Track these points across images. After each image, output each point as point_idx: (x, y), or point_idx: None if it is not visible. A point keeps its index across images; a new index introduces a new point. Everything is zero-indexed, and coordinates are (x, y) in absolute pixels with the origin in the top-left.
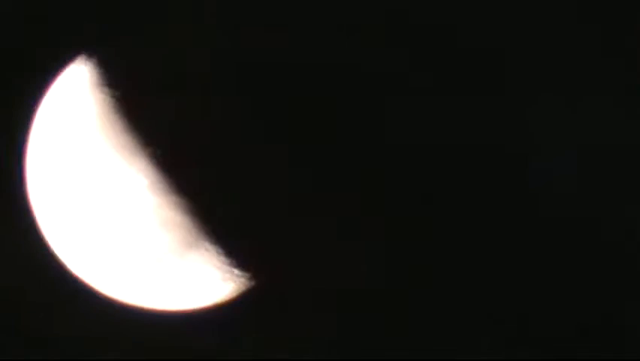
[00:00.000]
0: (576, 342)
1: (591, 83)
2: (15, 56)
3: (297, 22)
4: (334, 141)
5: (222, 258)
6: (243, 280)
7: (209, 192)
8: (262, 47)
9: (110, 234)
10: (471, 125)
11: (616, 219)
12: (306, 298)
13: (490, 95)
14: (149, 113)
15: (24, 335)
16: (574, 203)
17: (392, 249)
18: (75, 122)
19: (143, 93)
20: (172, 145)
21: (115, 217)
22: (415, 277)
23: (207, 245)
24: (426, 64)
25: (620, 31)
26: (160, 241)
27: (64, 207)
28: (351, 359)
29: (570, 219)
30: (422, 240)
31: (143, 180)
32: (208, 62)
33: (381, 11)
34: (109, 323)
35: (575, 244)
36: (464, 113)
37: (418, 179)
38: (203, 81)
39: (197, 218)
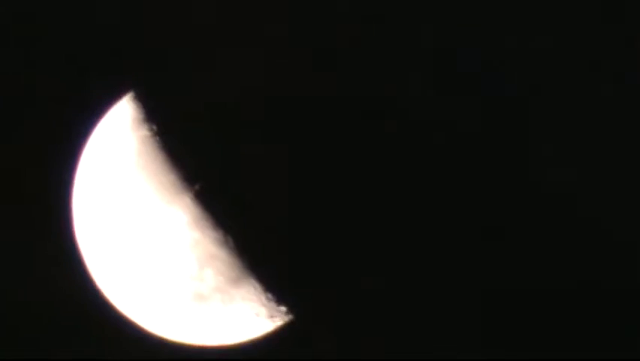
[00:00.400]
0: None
1: None
2: (63, 95)
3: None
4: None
5: (268, 294)
6: (287, 316)
7: (253, 228)
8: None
9: (154, 271)
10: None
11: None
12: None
13: None
14: (190, 151)
15: None
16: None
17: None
18: (118, 160)
19: (184, 131)
20: (213, 181)
21: (159, 255)
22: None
23: (253, 282)
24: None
25: None
26: (205, 278)
27: (110, 245)
28: None
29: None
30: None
31: (184, 217)
32: (257, 103)
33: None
34: (153, 359)
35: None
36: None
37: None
38: (244, 119)
39: (243, 254)
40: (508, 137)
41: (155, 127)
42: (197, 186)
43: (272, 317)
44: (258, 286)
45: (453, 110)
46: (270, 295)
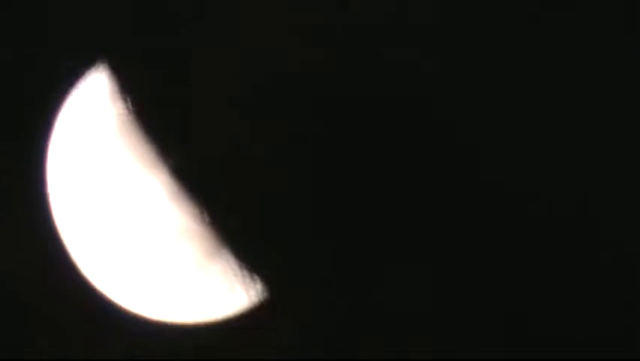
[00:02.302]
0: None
1: None
2: (34, 66)
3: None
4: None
5: (243, 270)
6: (263, 292)
7: (231, 201)
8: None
9: (129, 245)
10: None
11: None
12: (324, 308)
13: None
14: (169, 124)
15: (38, 348)
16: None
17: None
18: (94, 133)
19: (162, 104)
20: (192, 155)
21: (135, 229)
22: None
23: (228, 256)
24: None
25: None
26: (181, 252)
27: (84, 219)
28: None
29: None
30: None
31: (162, 190)
32: (231, 74)
33: None
34: (128, 336)
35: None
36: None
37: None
38: (223, 91)
39: (219, 228)
40: None
41: (131, 99)
42: (173, 160)
43: (248, 291)
44: (233, 261)
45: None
46: (245, 271)
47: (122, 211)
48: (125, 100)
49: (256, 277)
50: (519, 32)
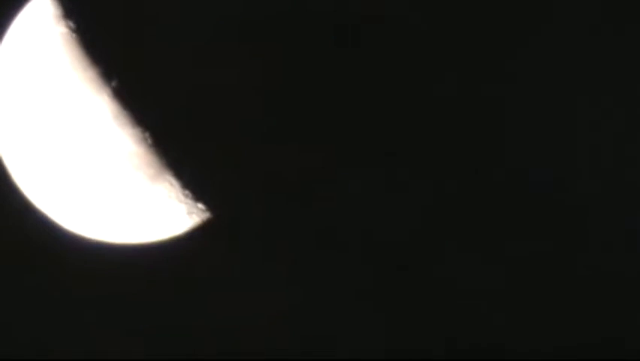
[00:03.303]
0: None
1: None
2: None
3: None
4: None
5: (186, 191)
6: (205, 213)
7: (172, 124)
8: None
9: (71, 168)
10: None
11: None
12: (265, 233)
13: None
14: (112, 46)
15: None
16: None
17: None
18: (38, 56)
19: (104, 25)
20: (135, 77)
21: (78, 151)
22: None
23: (171, 178)
24: None
25: None
26: (123, 174)
27: (29, 142)
28: (302, 296)
29: None
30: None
31: (106, 112)
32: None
33: None
34: (72, 257)
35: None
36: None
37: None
38: (171, 12)
39: (161, 151)
40: None
41: (73, 23)
42: (114, 83)
43: (190, 213)
44: (175, 183)
45: None
46: (188, 192)
47: (65, 134)
48: (68, 21)
49: (199, 198)
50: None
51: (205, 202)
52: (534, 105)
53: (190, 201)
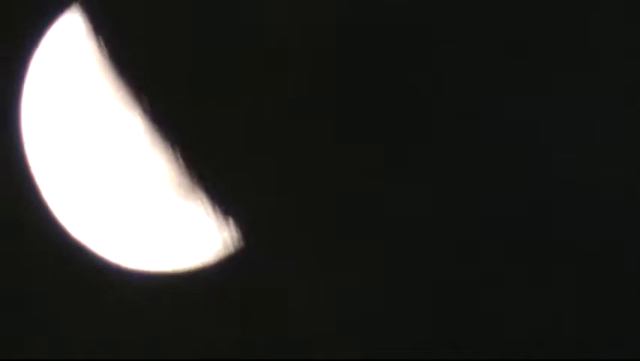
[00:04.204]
0: None
1: None
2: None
3: None
4: (334, 94)
5: (219, 212)
6: (238, 235)
7: (204, 142)
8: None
9: (102, 190)
10: None
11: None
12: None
13: None
14: (144, 63)
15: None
16: None
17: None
18: (68, 75)
19: (136, 42)
20: (168, 96)
21: (109, 170)
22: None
23: (204, 198)
24: None
25: None
26: (155, 195)
27: (59, 161)
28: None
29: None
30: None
31: (132, 132)
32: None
33: None
34: (101, 283)
35: None
36: None
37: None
38: (194, 31)
39: (194, 170)
40: None
41: (104, 40)
42: (146, 101)
43: (222, 233)
44: (208, 202)
45: None
46: (220, 212)
47: (95, 154)
48: (99, 37)
49: (232, 221)
50: None
51: (238, 224)
52: None
53: (224, 223)
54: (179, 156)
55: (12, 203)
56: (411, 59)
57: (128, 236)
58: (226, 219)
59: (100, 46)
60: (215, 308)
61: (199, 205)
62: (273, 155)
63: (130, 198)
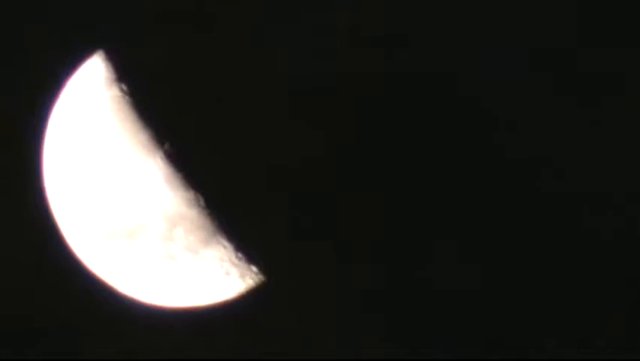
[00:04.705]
0: None
1: None
2: (31, 53)
3: None
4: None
5: (239, 254)
6: (259, 276)
7: (226, 187)
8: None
9: (124, 230)
10: None
11: None
12: (318, 295)
13: None
14: (164, 109)
15: (27, 327)
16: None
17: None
18: (90, 119)
19: (156, 88)
20: (187, 140)
21: (130, 214)
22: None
23: (223, 241)
24: None
25: None
26: (175, 238)
27: (80, 203)
28: (354, 359)
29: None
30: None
31: (158, 176)
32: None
33: None
34: (125, 320)
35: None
36: None
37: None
38: (218, 78)
39: (213, 214)
40: None
41: (125, 86)
42: (167, 146)
43: (243, 276)
44: (228, 245)
45: None
46: (241, 255)
47: (117, 196)
48: (121, 84)
49: (252, 261)
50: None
51: (258, 265)
52: None
53: (243, 264)
54: (200, 199)
55: (33, 243)
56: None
57: (150, 274)
58: (247, 256)
59: (122, 92)
60: (235, 343)
61: (220, 247)
62: (298, 202)
63: (152, 240)
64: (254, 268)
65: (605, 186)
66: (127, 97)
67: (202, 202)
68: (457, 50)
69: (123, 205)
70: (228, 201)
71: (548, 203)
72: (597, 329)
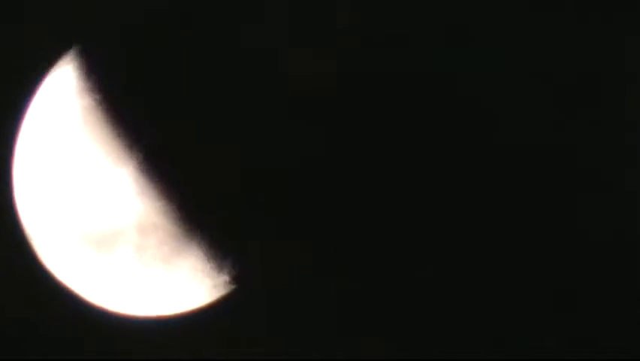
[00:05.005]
0: None
1: None
2: (2, 58)
3: None
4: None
5: (210, 264)
6: (231, 286)
7: (197, 197)
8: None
9: (96, 240)
10: None
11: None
12: (294, 302)
13: None
14: (135, 118)
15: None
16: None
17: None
18: (61, 128)
19: (128, 97)
20: (159, 150)
21: (101, 223)
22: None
23: (195, 251)
24: None
25: None
26: (147, 248)
27: (50, 213)
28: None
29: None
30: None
31: (130, 185)
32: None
33: None
34: (94, 330)
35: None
36: None
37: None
38: (189, 85)
39: (185, 224)
40: None
41: (98, 96)
42: (139, 155)
43: (215, 286)
44: (200, 255)
45: None
46: (213, 265)
47: (88, 205)
48: (92, 93)
49: (223, 269)
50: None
51: (229, 275)
52: None
53: (215, 274)
54: (172, 209)
55: (2, 254)
56: None
57: (121, 283)
58: (220, 265)
59: (93, 102)
60: (209, 353)
61: (192, 257)
62: (270, 206)
63: (124, 250)
64: (226, 278)
65: (606, 185)
66: (99, 106)
67: (174, 212)
68: (458, 50)
69: (95, 214)
70: (200, 211)
71: (549, 203)
72: (597, 328)
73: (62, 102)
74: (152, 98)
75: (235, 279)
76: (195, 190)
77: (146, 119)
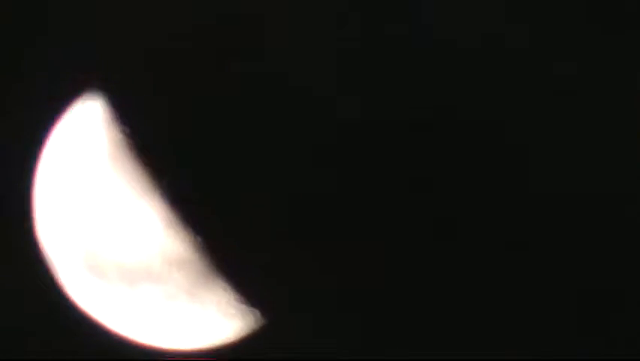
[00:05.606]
0: None
1: None
2: (25, 88)
3: None
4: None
5: (240, 297)
6: (260, 319)
7: (225, 229)
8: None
9: (121, 272)
10: None
11: None
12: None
13: None
14: (162, 149)
15: None
16: None
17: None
18: (86, 159)
19: (154, 129)
20: (184, 180)
21: (127, 255)
22: None
23: (223, 283)
24: None
25: None
26: (172, 280)
27: (75, 244)
28: None
29: None
30: None
31: (156, 217)
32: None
33: None
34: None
35: None
36: None
37: None
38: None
39: (212, 256)
40: None
41: (126, 127)
42: (166, 185)
43: (244, 319)
44: (229, 287)
45: None
46: (242, 297)
47: (115, 239)
48: (119, 125)
49: (253, 304)
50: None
51: (259, 308)
52: None
53: (244, 306)
54: (199, 240)
55: (28, 286)
56: None
57: (149, 316)
58: (247, 302)
59: (120, 133)
60: None
61: (220, 289)
62: (296, 240)
63: (151, 282)
64: (255, 311)
65: (606, 186)
66: (125, 136)
67: (202, 242)
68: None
69: (120, 246)
70: (229, 243)
71: (549, 203)
72: (597, 329)
73: (87, 132)
74: (177, 131)
75: (265, 313)
76: (225, 220)
77: (171, 150)
